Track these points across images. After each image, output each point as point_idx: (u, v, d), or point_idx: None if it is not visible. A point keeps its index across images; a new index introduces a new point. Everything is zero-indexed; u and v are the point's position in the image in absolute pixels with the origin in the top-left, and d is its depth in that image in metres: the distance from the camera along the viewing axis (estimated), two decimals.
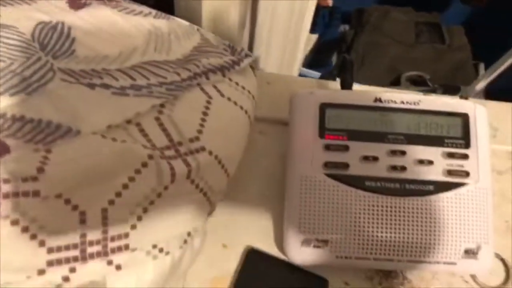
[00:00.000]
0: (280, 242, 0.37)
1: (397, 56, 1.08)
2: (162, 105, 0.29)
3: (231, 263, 0.37)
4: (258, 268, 0.36)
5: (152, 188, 0.26)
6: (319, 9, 1.27)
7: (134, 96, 0.28)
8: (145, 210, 0.27)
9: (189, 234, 0.31)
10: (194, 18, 0.55)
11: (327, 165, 0.35)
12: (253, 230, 0.39)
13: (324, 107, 0.36)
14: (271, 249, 0.38)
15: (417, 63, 1.02)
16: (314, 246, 0.34)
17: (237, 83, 0.35)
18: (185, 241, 0.31)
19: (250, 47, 0.67)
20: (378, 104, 0.36)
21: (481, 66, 1.02)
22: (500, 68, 0.36)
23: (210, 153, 0.30)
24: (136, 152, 0.26)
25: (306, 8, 0.58)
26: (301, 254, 0.35)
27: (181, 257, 0.31)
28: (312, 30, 1.29)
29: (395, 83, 1.01)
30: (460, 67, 1.01)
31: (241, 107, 0.34)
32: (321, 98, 0.36)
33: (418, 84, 0.99)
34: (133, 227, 0.26)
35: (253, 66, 0.40)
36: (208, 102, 0.32)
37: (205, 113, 0.31)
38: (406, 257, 0.34)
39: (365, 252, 0.34)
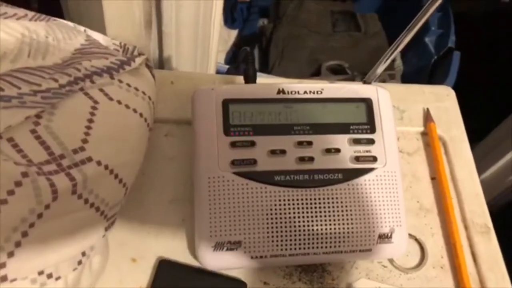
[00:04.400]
0: (193, 248, 0.38)
1: (316, 46, 1.12)
2: (38, 116, 0.28)
3: (143, 277, 0.37)
4: (172, 280, 0.37)
5: (30, 209, 0.25)
6: (236, 4, 1.29)
7: (3, 108, 0.27)
8: (24, 235, 0.25)
9: (83, 254, 0.31)
10: (92, 20, 0.53)
11: (234, 163, 0.36)
12: (165, 239, 0.39)
13: (227, 103, 0.37)
14: (186, 257, 0.39)
15: (336, 52, 1.07)
16: (227, 249, 0.35)
17: (128, 85, 0.35)
18: (79, 262, 0.30)
19: (160, 47, 0.66)
20: (282, 96, 0.38)
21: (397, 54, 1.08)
22: (397, 49, 0.38)
23: (99, 163, 0.30)
24: (7, 170, 0.24)
25: (213, 3, 0.58)
26: (215, 259, 0.35)
27: (76, 280, 0.30)
28: (232, 26, 1.31)
29: (316, 73, 1.05)
30: (376, 53, 1.08)
31: (135, 110, 0.34)
32: (223, 94, 0.37)
33: (338, 72, 1.04)
34: (11, 254, 0.25)
35: (150, 65, 0.40)
36: (94, 108, 0.31)
37: (90, 120, 0.30)
38: (322, 249, 0.36)
39: (280, 249, 0.36)
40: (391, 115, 0.40)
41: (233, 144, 0.37)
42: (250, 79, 0.42)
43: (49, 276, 0.28)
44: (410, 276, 0.41)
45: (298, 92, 0.39)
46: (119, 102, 0.34)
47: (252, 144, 0.37)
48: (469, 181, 0.47)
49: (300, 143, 0.38)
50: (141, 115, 0.35)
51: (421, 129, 0.50)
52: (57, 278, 0.28)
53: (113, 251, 0.38)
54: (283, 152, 0.37)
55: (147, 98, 0.37)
